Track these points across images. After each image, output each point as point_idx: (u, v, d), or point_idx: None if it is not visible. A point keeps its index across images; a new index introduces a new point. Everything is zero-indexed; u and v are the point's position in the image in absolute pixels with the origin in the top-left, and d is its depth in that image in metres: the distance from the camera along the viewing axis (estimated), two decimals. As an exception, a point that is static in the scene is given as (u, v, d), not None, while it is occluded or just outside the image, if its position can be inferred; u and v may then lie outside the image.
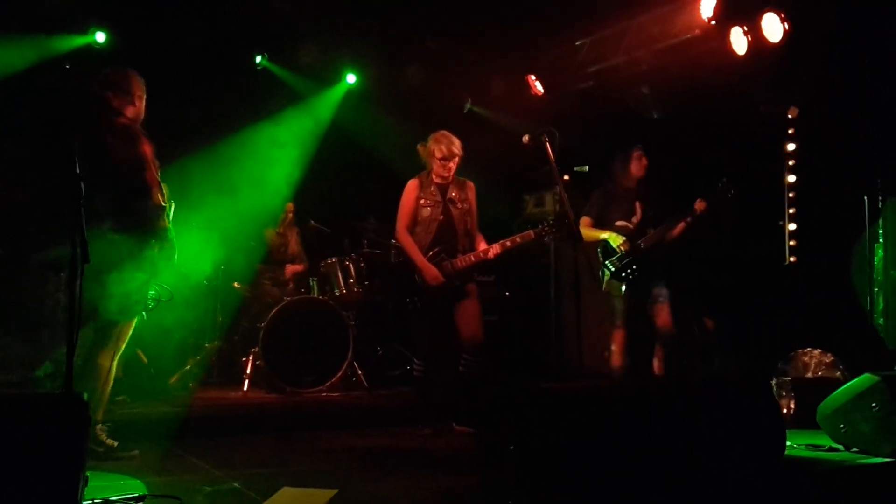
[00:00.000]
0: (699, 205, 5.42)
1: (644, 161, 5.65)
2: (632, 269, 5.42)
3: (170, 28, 6.50)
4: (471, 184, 5.16)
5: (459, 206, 5.04)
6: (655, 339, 5.49)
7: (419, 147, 5.10)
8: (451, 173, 5.00)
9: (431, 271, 4.89)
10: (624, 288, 5.48)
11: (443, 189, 5.03)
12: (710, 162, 6.29)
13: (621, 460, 3.28)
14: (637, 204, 5.60)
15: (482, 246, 5.06)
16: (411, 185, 5.06)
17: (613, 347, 5.54)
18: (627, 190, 5.66)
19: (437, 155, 4.95)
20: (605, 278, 5.54)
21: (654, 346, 5.52)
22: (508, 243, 4.94)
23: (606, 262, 5.51)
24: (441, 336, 5.02)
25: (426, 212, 4.98)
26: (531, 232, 4.95)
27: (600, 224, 5.61)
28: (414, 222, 5.01)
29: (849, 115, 5.88)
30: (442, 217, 4.98)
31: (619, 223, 5.56)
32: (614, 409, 3.45)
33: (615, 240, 5.47)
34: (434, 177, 5.03)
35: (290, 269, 7.04)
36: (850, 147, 5.86)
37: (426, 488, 3.63)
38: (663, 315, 5.44)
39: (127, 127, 4.07)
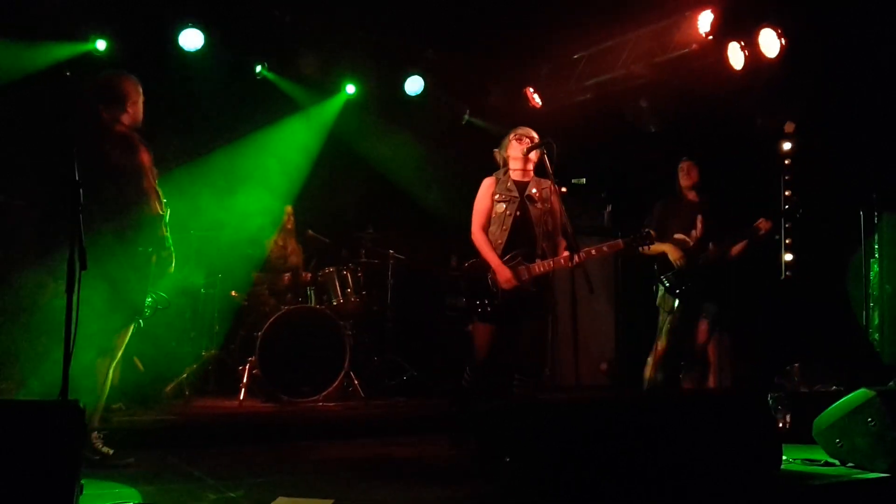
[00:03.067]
0: (763, 224, 5.28)
1: (693, 172, 5.59)
2: (687, 285, 5.35)
3: (170, 36, 6.52)
4: (552, 185, 4.69)
5: (539, 205, 4.63)
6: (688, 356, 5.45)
7: (494, 152, 4.83)
8: (529, 153, 4.64)
9: (505, 273, 4.48)
10: (677, 303, 5.43)
11: (521, 186, 4.65)
12: (707, 176, 6.31)
13: (616, 473, 3.28)
14: (699, 218, 5.49)
15: (563, 251, 4.64)
16: (487, 182, 4.70)
17: (649, 360, 5.50)
18: (689, 203, 5.60)
19: (511, 136, 4.69)
20: (660, 293, 5.49)
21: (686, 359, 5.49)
22: (594, 251, 4.57)
23: (662, 277, 5.45)
24: (500, 347, 4.61)
25: (501, 208, 4.62)
26: (620, 241, 4.64)
27: (660, 237, 5.41)
28: (489, 221, 4.65)
29: (845, 130, 5.91)
30: (518, 214, 4.59)
31: (677, 236, 5.47)
32: (610, 421, 3.46)
33: (673, 253, 5.39)
34: (511, 173, 4.68)
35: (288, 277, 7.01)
36: (845, 162, 5.88)
37: (422, 499, 3.62)
38: (700, 330, 5.40)
39: (124, 135, 4.06)
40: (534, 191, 4.66)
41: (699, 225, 5.47)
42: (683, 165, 5.66)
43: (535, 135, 4.70)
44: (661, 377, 5.44)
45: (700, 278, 5.37)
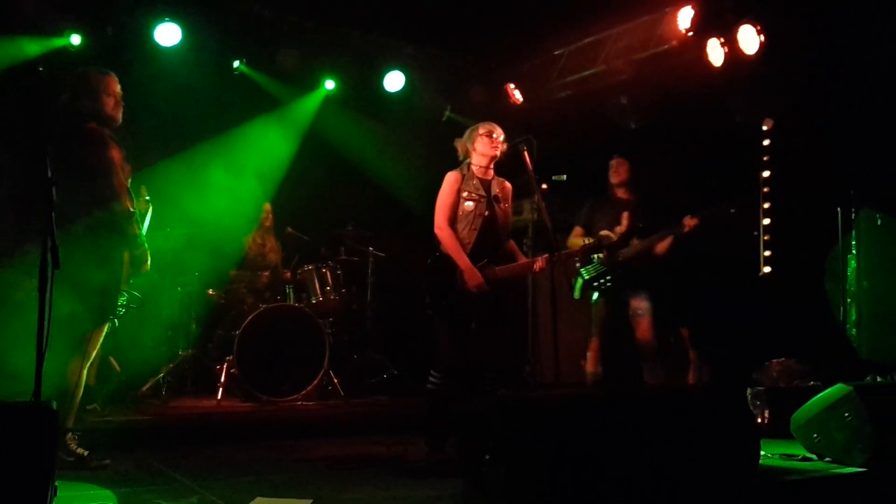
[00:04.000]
0: (689, 221, 5.33)
1: (622, 169, 5.69)
2: (605, 279, 5.40)
3: (147, 31, 6.44)
4: (509, 185, 4.69)
5: (503, 205, 4.60)
6: (637, 351, 5.49)
7: (456, 142, 4.72)
8: (497, 151, 4.54)
9: (477, 277, 4.36)
10: (596, 296, 5.49)
11: (486, 185, 4.56)
12: (686, 172, 6.35)
13: (596, 469, 3.28)
14: (625, 214, 5.57)
15: (520, 255, 4.66)
16: (452, 176, 4.54)
17: (589, 354, 5.59)
18: (618, 199, 5.68)
19: (482, 131, 4.55)
20: (578, 286, 5.55)
21: (634, 356, 5.53)
22: (555, 257, 4.49)
23: (581, 271, 5.52)
24: (467, 348, 4.50)
25: (469, 206, 4.48)
26: (579, 248, 4.82)
27: (588, 233, 5.62)
28: (455, 217, 4.51)
29: (823, 127, 5.95)
30: (487, 213, 4.50)
31: (602, 232, 5.56)
32: (590, 419, 3.46)
33: (576, 242, 5.51)
34: (476, 169, 4.57)
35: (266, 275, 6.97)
36: (823, 158, 5.93)
37: (403, 498, 3.61)
38: (643, 327, 5.45)
39: (94, 131, 4.00)
40: (497, 191, 4.60)
41: (624, 221, 5.54)
42: (613, 163, 5.74)
43: (501, 132, 4.60)
44: (602, 370, 5.53)
45: (622, 273, 5.43)
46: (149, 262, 4.11)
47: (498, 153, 4.57)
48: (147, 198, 4.35)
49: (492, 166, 4.63)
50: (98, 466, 3.99)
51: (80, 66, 4.30)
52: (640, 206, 5.63)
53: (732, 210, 5.31)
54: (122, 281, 4.00)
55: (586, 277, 5.48)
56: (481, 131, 4.58)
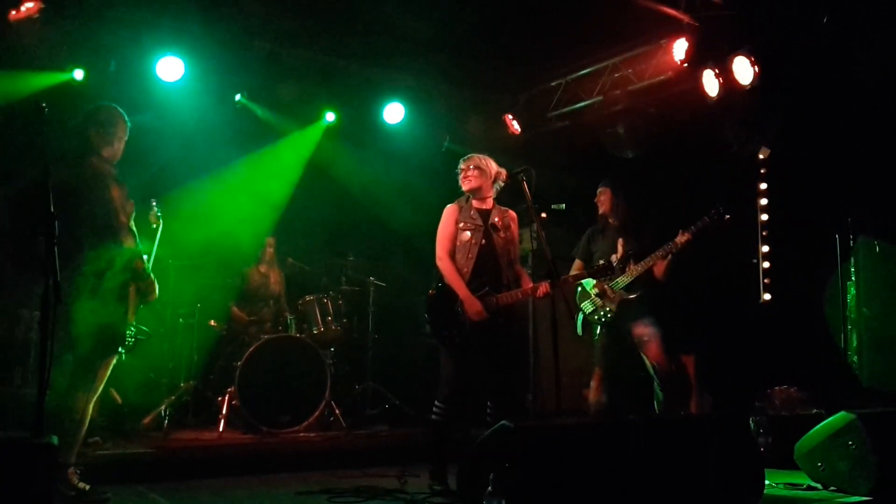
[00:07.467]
0: (681, 237, 5.28)
1: (604, 198, 5.64)
2: (605, 311, 5.37)
3: (150, 66, 6.51)
4: (513, 213, 4.79)
5: (502, 234, 4.66)
6: (653, 378, 5.36)
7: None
8: (467, 182, 4.66)
9: (475, 305, 4.43)
10: (599, 329, 5.45)
11: (484, 214, 4.66)
12: (684, 201, 6.38)
13: (599, 497, 3.26)
14: (620, 241, 5.51)
15: (527, 281, 4.67)
16: (450, 209, 4.69)
17: (592, 384, 5.54)
18: (612, 228, 5.64)
19: (461, 165, 4.71)
20: (579, 321, 5.51)
21: (636, 385, 5.48)
22: (555, 284, 4.45)
23: (581, 305, 5.49)
24: (469, 378, 4.52)
25: (465, 236, 4.60)
26: (585, 271, 4.84)
27: (589, 265, 5.51)
28: (454, 248, 4.62)
29: (819, 155, 6.00)
30: (483, 242, 4.59)
31: (600, 262, 5.50)
32: (591, 448, 3.45)
33: (589, 281, 5.42)
34: (473, 200, 4.69)
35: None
36: (820, 186, 5.97)
37: (404, 531, 3.59)
38: (654, 352, 5.33)
39: (96, 167, 4.04)
40: (496, 219, 4.66)
41: (620, 249, 5.49)
42: (599, 190, 5.70)
43: (473, 162, 4.67)
44: (605, 399, 5.45)
45: (621, 302, 5.37)
46: (157, 292, 4.12)
47: (468, 185, 4.67)
48: (158, 213, 4.37)
49: (489, 196, 4.71)
50: (99, 500, 3.96)
51: (84, 100, 4.35)
52: (633, 229, 5.58)
53: (728, 217, 5.23)
54: (128, 314, 4.00)
55: (587, 312, 5.46)
56: (461, 165, 4.73)
